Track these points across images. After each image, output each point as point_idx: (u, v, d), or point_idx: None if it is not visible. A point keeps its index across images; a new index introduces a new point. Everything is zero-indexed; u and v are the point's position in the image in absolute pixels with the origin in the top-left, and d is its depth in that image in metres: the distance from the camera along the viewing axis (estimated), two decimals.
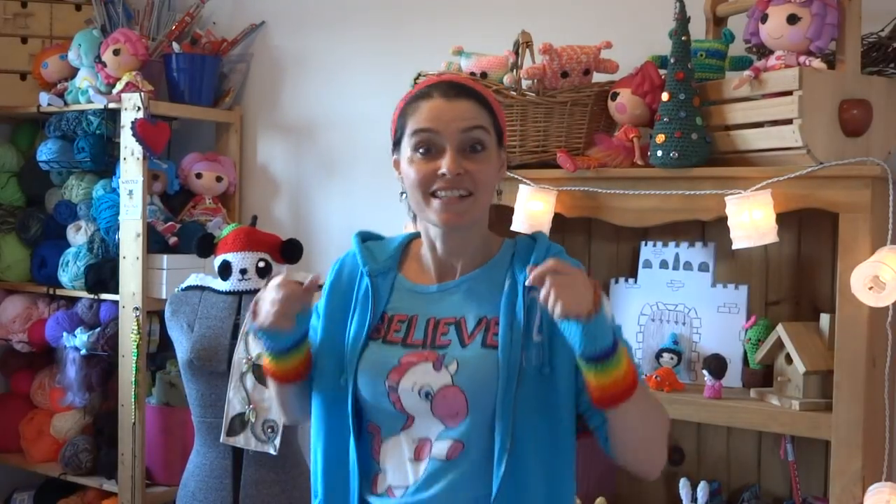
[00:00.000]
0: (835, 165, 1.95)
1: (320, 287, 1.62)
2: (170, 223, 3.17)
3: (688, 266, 2.39)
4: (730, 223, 2.04)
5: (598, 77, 2.38)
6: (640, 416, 1.46)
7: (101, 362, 3.28)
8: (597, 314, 1.35)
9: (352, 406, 1.55)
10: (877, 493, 1.89)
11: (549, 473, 1.50)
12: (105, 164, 3.29)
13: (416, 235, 1.67)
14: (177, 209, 3.32)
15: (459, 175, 1.49)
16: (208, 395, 2.51)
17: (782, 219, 2.01)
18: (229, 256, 2.56)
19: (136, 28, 3.38)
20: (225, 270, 2.56)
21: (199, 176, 3.29)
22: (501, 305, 1.52)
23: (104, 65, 3.19)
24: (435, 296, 1.58)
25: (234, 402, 2.45)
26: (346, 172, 3.22)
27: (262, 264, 2.56)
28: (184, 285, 2.66)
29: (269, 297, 1.51)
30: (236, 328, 2.52)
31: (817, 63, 1.95)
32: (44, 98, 3.36)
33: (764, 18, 2.03)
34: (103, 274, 3.21)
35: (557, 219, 2.31)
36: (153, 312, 3.16)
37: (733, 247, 2.05)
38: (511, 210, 2.30)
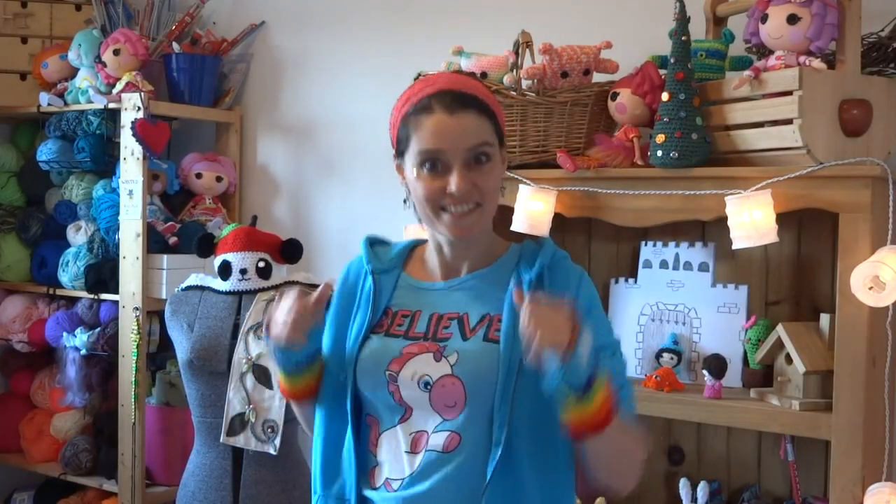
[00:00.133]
0: (835, 165, 1.95)
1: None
2: (170, 223, 3.17)
3: (688, 266, 2.39)
4: (730, 223, 2.04)
5: (598, 77, 2.38)
6: (612, 450, 1.47)
7: (101, 362, 3.28)
8: (568, 361, 1.35)
9: (351, 400, 1.57)
10: (877, 493, 1.89)
11: (544, 468, 1.51)
12: (105, 164, 3.29)
13: (422, 241, 1.70)
14: (177, 209, 3.32)
15: (469, 191, 1.51)
16: (208, 395, 2.51)
17: (782, 219, 2.01)
18: (229, 256, 2.56)
19: (136, 28, 3.38)
20: (225, 270, 2.56)
21: (199, 176, 3.29)
22: (505, 303, 1.54)
23: (104, 65, 3.19)
24: (439, 292, 1.61)
25: (234, 402, 2.45)
26: (346, 173, 3.22)
27: (262, 264, 2.56)
28: (184, 285, 2.66)
29: (283, 311, 1.54)
30: (236, 328, 2.52)
31: (817, 63, 1.95)
32: (44, 98, 3.36)
33: (764, 18, 2.03)
34: (103, 274, 3.21)
35: (557, 219, 2.31)
36: (153, 312, 3.16)
37: (733, 247, 2.06)
38: (511, 210, 2.30)
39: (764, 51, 2.11)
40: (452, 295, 1.59)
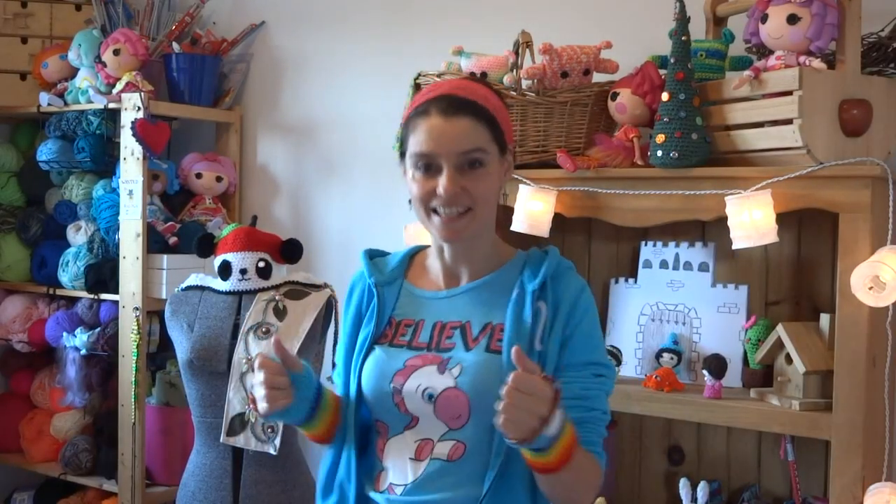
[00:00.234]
0: (835, 165, 1.95)
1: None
2: (170, 223, 3.17)
3: (688, 266, 2.39)
4: (730, 223, 2.04)
5: (598, 77, 2.38)
6: (571, 478, 1.48)
7: (101, 362, 3.28)
8: (526, 442, 1.36)
9: (355, 408, 1.59)
10: (877, 493, 1.89)
11: (534, 481, 1.52)
12: (105, 164, 3.29)
13: (422, 248, 1.71)
14: (177, 209, 3.32)
15: (457, 193, 1.52)
16: (208, 395, 2.50)
17: (782, 219, 2.01)
18: (229, 256, 2.56)
19: (136, 28, 3.38)
20: (225, 270, 2.56)
21: (199, 176, 3.29)
22: (508, 312, 1.54)
23: (104, 65, 3.19)
24: (442, 301, 1.61)
25: (234, 402, 2.45)
26: (346, 173, 3.22)
27: (262, 264, 2.56)
28: (184, 285, 2.66)
29: (257, 384, 1.52)
30: (236, 328, 2.52)
31: (817, 63, 1.95)
32: (44, 98, 3.36)
33: (764, 18, 2.03)
34: (103, 274, 3.21)
35: (557, 219, 2.31)
36: (153, 312, 3.16)
37: (733, 247, 2.06)
38: (511, 210, 2.30)
39: (764, 51, 2.11)
40: (455, 302, 1.60)
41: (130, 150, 3.11)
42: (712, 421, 2.17)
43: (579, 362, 1.53)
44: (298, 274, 2.64)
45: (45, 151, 3.37)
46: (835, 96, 1.98)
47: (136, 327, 3.08)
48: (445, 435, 1.53)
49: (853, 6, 1.99)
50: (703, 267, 2.37)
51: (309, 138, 3.31)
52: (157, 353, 3.24)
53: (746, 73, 2.02)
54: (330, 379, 1.76)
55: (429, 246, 1.68)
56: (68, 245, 3.39)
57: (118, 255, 3.16)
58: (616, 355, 2.34)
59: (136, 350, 3.08)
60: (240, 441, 2.45)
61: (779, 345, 2.10)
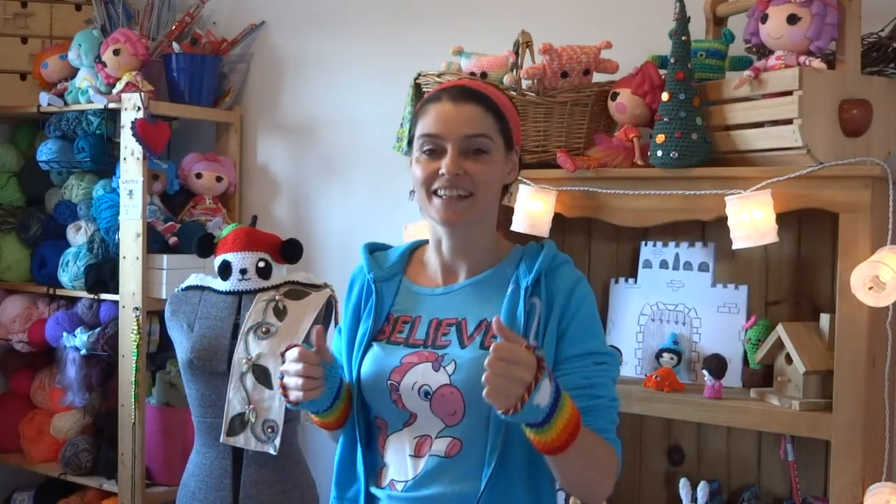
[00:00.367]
0: (835, 165, 1.95)
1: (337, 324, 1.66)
2: (170, 223, 3.17)
3: (688, 266, 2.39)
4: (730, 223, 2.04)
5: (598, 77, 2.38)
6: (582, 462, 1.47)
7: (101, 362, 3.27)
8: (516, 413, 1.34)
9: (357, 407, 1.60)
10: (877, 493, 1.89)
11: (537, 475, 1.53)
12: (105, 164, 3.29)
13: (422, 243, 1.71)
14: (177, 209, 3.32)
15: (458, 175, 1.53)
16: (208, 395, 2.51)
17: (782, 219, 2.01)
18: (229, 256, 2.56)
19: (136, 28, 3.38)
20: (225, 270, 2.56)
21: (199, 176, 3.29)
22: (503, 309, 1.55)
23: (104, 65, 3.19)
24: (439, 297, 1.62)
25: (234, 402, 2.45)
26: (346, 173, 3.22)
27: (262, 264, 2.56)
28: (184, 285, 2.66)
29: (292, 373, 1.53)
30: (236, 328, 2.52)
31: (817, 63, 1.95)
32: (44, 98, 3.36)
33: (764, 18, 2.03)
34: (103, 274, 3.21)
35: (557, 219, 2.31)
36: (153, 312, 3.16)
37: (733, 247, 2.06)
38: (511, 210, 2.30)
39: (764, 51, 2.11)
40: (452, 299, 1.61)
41: (130, 150, 3.11)
42: (712, 421, 2.17)
43: (579, 353, 1.53)
44: (298, 274, 2.64)
45: (45, 151, 3.37)
46: (835, 96, 1.98)
47: (136, 327, 3.08)
48: (442, 432, 1.54)
49: (853, 6, 1.99)
50: (703, 267, 2.37)
51: (309, 138, 3.31)
52: (157, 353, 3.24)
53: (746, 73, 2.02)
54: None
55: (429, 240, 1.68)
56: (68, 245, 3.39)
57: (118, 255, 3.16)
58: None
59: (136, 350, 3.08)
60: (240, 441, 2.45)
61: (779, 345, 2.10)
